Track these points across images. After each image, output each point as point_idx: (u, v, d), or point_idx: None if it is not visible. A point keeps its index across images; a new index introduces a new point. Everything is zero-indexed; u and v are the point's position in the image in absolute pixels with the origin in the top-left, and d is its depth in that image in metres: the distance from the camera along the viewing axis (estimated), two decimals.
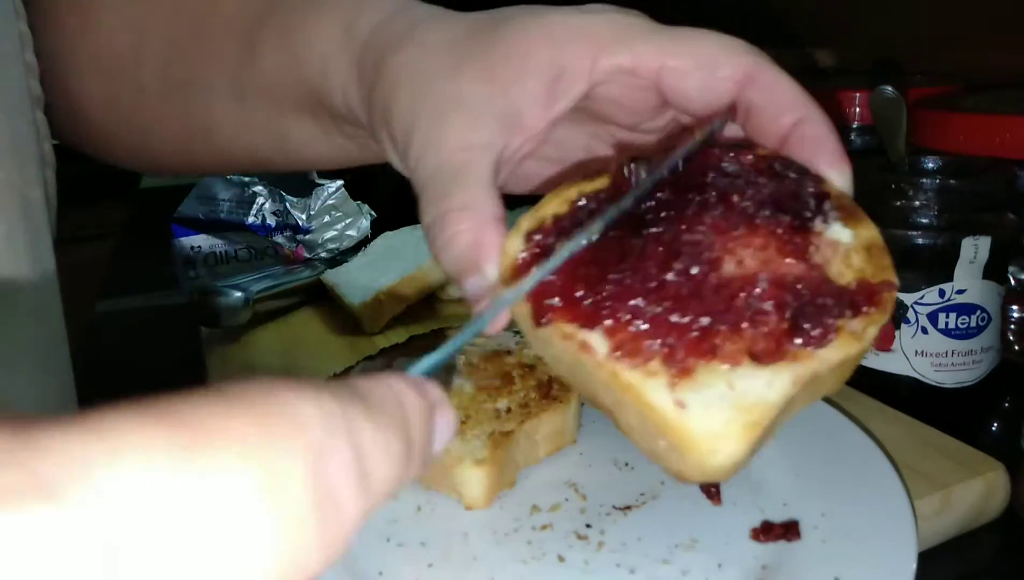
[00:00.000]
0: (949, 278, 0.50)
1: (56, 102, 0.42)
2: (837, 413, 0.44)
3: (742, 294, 0.25)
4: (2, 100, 0.36)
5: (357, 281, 0.67)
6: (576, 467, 0.43)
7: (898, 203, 0.51)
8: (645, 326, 0.24)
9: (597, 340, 0.25)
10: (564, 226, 0.28)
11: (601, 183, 0.29)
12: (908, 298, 0.51)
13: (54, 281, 0.38)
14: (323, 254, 0.79)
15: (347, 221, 0.83)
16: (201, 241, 0.79)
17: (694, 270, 0.25)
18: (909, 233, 0.51)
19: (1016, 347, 0.57)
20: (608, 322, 0.25)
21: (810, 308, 0.25)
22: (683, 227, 0.26)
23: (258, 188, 0.84)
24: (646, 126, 0.32)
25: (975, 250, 0.49)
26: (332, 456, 0.15)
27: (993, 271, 0.50)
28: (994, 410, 0.54)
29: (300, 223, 0.81)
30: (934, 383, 0.52)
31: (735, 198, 0.27)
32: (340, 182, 0.84)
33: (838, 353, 0.25)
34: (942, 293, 0.50)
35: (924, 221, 0.50)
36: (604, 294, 0.25)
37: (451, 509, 0.39)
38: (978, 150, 0.55)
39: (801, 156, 0.29)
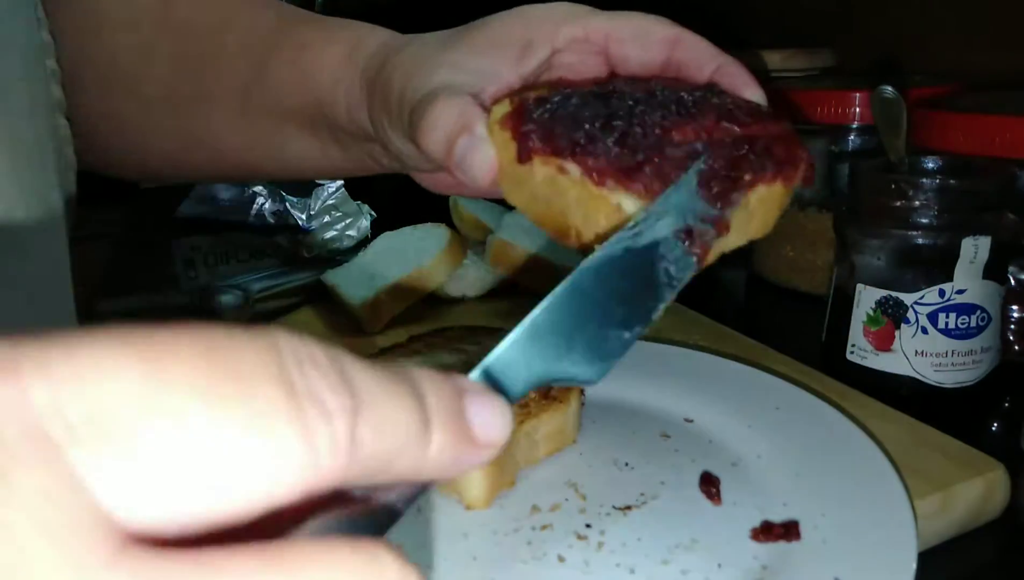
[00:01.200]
0: (949, 278, 0.50)
1: None
2: (837, 413, 0.44)
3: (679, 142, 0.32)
4: (27, 106, 0.37)
5: (357, 281, 0.67)
6: (576, 467, 0.43)
7: (898, 203, 0.51)
8: (603, 158, 0.31)
9: (571, 167, 0.31)
10: (541, 99, 0.34)
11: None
12: (908, 298, 0.51)
13: (68, 282, 0.40)
14: (323, 254, 0.79)
15: (347, 221, 0.83)
16: (201, 241, 0.79)
17: (648, 130, 0.32)
18: (909, 233, 0.51)
19: (1016, 347, 0.57)
20: (579, 153, 0.31)
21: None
22: (642, 108, 0.33)
23: (258, 188, 0.84)
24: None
25: (975, 250, 0.49)
26: (305, 358, 0.14)
27: (993, 271, 0.50)
28: (994, 410, 0.54)
29: (300, 223, 0.81)
30: (934, 383, 0.52)
31: (689, 104, 0.34)
32: (340, 182, 0.84)
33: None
34: (942, 293, 0.50)
35: (924, 221, 0.50)
36: (576, 137, 0.31)
37: (451, 509, 0.39)
38: (978, 150, 0.55)
39: (726, 87, 0.37)
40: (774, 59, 0.87)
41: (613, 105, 0.33)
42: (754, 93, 0.38)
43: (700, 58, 0.37)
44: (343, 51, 0.41)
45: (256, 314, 0.67)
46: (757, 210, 0.32)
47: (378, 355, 0.49)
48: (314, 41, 0.42)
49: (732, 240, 0.31)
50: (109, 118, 0.44)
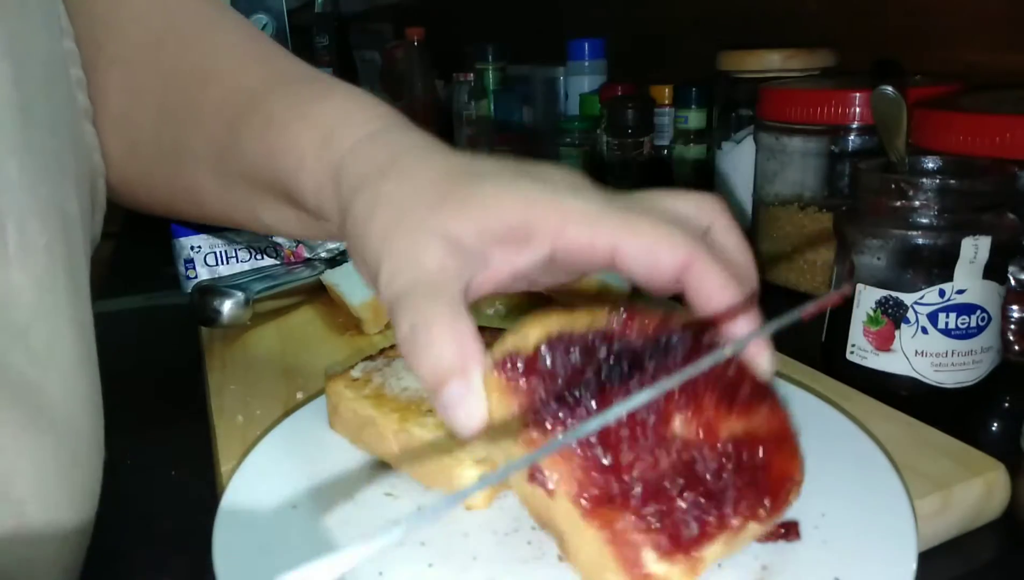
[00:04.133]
0: (949, 278, 0.50)
1: None
2: (837, 413, 0.44)
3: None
4: (47, 116, 0.37)
5: (357, 281, 0.67)
6: None
7: (898, 203, 0.51)
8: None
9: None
10: (544, 365, 0.32)
11: (582, 321, 0.33)
12: (908, 298, 0.51)
13: (87, 291, 0.39)
14: (323, 254, 0.79)
15: None
16: (201, 241, 0.79)
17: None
18: (909, 233, 0.51)
19: (1016, 347, 0.57)
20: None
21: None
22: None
23: None
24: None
25: (975, 250, 0.49)
26: None
27: (993, 271, 0.50)
28: (994, 410, 0.54)
29: None
30: (934, 383, 0.52)
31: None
32: None
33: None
34: (942, 293, 0.50)
35: (924, 221, 0.50)
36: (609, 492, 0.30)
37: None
38: (978, 150, 0.55)
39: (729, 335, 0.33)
40: (774, 59, 0.87)
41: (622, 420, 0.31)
42: (762, 361, 0.34)
43: (710, 290, 0.32)
44: (313, 138, 0.36)
45: (257, 314, 0.67)
46: (744, 538, 0.31)
47: (378, 355, 0.49)
48: (282, 117, 0.38)
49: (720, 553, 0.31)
50: (102, 152, 0.43)
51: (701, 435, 0.32)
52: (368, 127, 0.37)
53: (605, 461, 0.30)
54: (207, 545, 0.35)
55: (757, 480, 0.31)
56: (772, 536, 0.34)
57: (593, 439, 0.30)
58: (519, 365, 0.32)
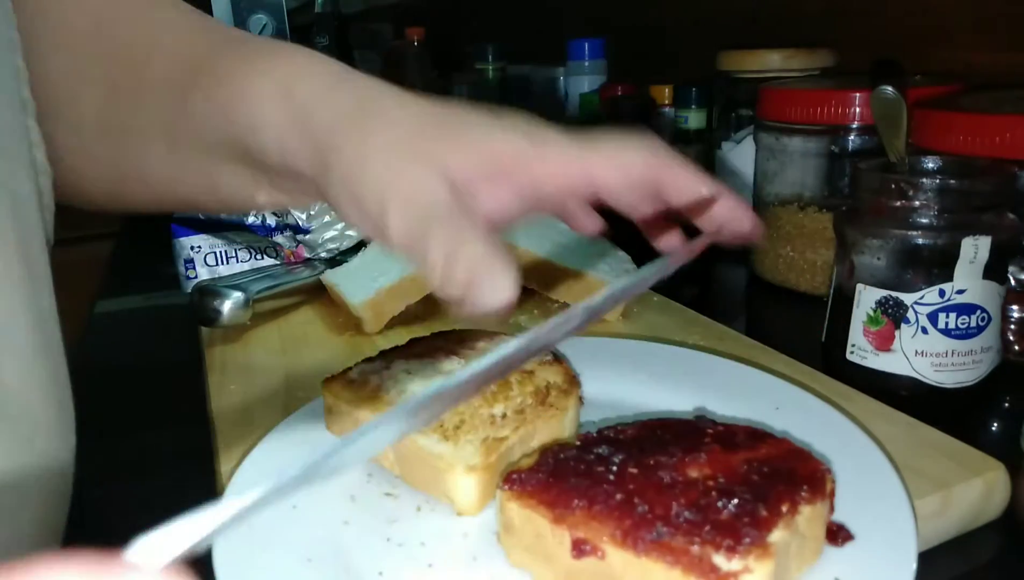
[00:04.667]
0: (949, 278, 0.50)
1: None
2: (837, 413, 0.44)
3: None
4: None
5: (357, 281, 0.67)
6: None
7: (898, 203, 0.51)
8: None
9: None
10: (548, 464, 0.35)
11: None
12: (908, 298, 0.51)
13: (47, 279, 0.38)
14: (323, 254, 0.79)
15: None
16: (201, 241, 0.79)
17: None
18: (909, 233, 0.51)
19: (1016, 347, 0.57)
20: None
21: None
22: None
23: None
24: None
25: (975, 250, 0.49)
26: None
27: (993, 271, 0.50)
28: (994, 410, 0.54)
29: (300, 223, 0.81)
30: (934, 383, 0.52)
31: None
32: None
33: None
34: (942, 293, 0.50)
35: (924, 221, 0.50)
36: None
37: (451, 509, 0.39)
38: (978, 150, 0.55)
39: (717, 219, 0.37)
40: (774, 59, 0.87)
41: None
42: (746, 220, 0.38)
43: (684, 183, 0.36)
44: (270, 92, 0.36)
45: (257, 314, 0.67)
46: (808, 532, 0.33)
47: (378, 356, 0.49)
48: (234, 74, 0.37)
49: (793, 569, 0.32)
50: (46, 143, 0.42)
51: (719, 470, 0.34)
52: (327, 77, 0.37)
53: (640, 509, 0.32)
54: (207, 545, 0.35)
55: (788, 477, 0.33)
56: (833, 538, 0.35)
57: (620, 496, 0.32)
58: (523, 475, 0.34)
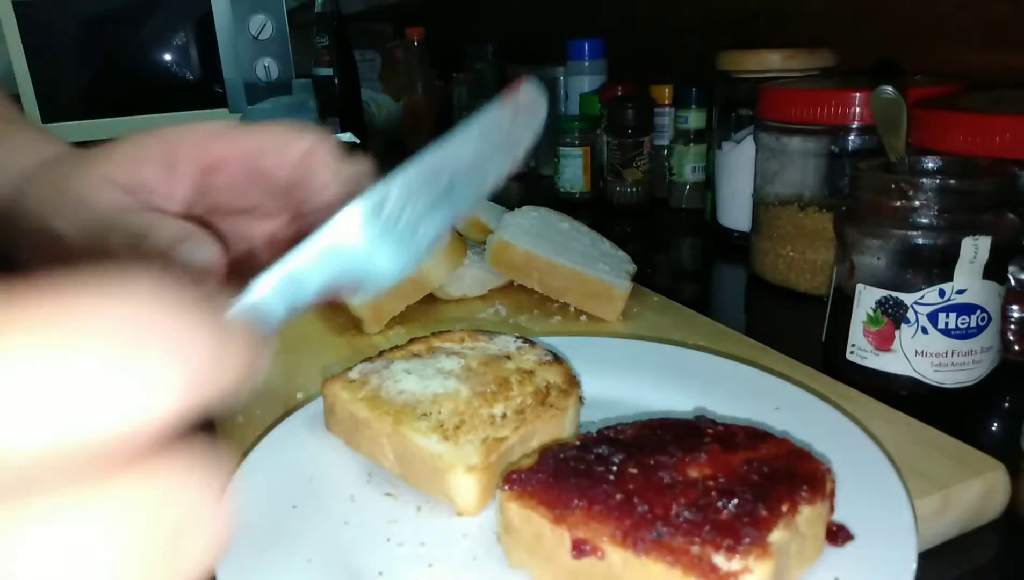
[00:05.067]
0: (949, 278, 0.50)
1: None
2: (837, 413, 0.44)
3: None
4: None
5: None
6: None
7: (898, 203, 0.51)
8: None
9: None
10: (548, 463, 0.35)
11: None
12: (908, 298, 0.51)
13: None
14: None
15: None
16: None
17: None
18: (909, 233, 0.51)
19: (1016, 347, 0.57)
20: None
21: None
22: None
23: None
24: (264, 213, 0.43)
25: (975, 250, 0.49)
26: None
27: (993, 271, 0.50)
28: (994, 410, 0.54)
29: None
30: (934, 383, 0.52)
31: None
32: None
33: None
34: (942, 293, 0.50)
35: (924, 221, 0.50)
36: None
37: (450, 510, 0.39)
38: (978, 150, 0.55)
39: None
40: (773, 60, 0.87)
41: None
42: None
43: (327, 164, 0.40)
44: None
45: None
46: (808, 532, 0.33)
47: (377, 357, 0.49)
48: None
49: (793, 569, 0.32)
50: None
51: (719, 470, 0.34)
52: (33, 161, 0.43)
53: (640, 509, 0.32)
54: None
55: (788, 477, 0.34)
56: (833, 538, 0.35)
57: (620, 496, 0.32)
58: (523, 475, 0.35)
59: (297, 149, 0.39)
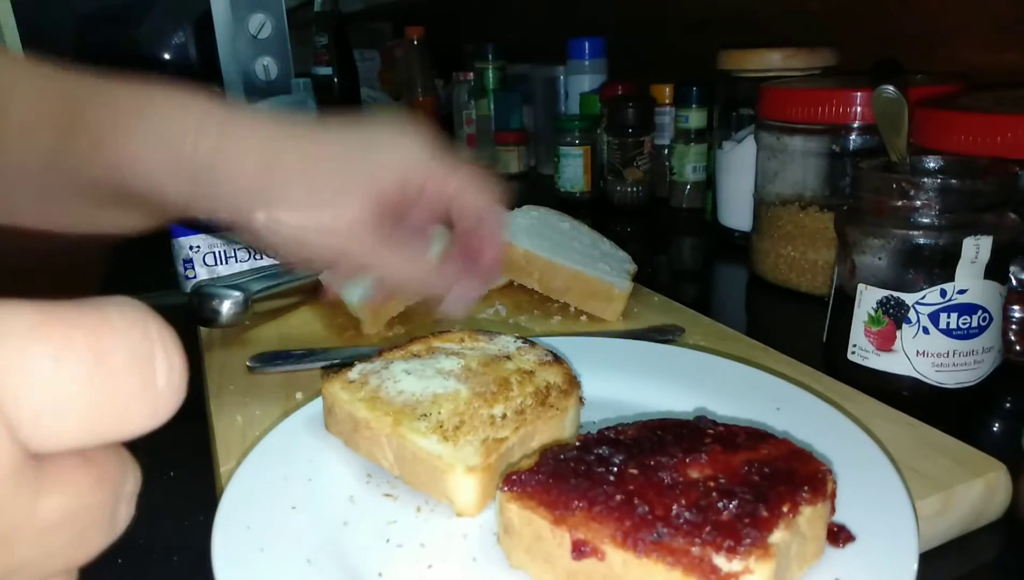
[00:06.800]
0: (950, 278, 0.50)
1: None
2: (838, 413, 0.44)
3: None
4: None
5: (357, 281, 0.67)
6: None
7: (899, 203, 0.51)
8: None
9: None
10: (547, 465, 0.35)
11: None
12: (909, 298, 0.51)
13: None
14: None
15: None
16: (201, 241, 0.79)
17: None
18: (910, 233, 0.50)
19: (1017, 347, 0.57)
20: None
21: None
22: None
23: None
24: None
25: (976, 250, 0.49)
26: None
27: (994, 271, 0.50)
28: (995, 410, 0.53)
29: None
30: (935, 383, 0.52)
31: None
32: None
33: None
34: (943, 293, 0.50)
35: (925, 221, 0.50)
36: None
37: (451, 510, 0.39)
38: (979, 150, 0.55)
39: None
40: (774, 59, 0.87)
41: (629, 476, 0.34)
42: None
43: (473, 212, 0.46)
44: (160, 160, 0.39)
45: (256, 314, 0.67)
46: (808, 533, 0.33)
47: (376, 357, 0.49)
48: (112, 137, 0.39)
49: (794, 570, 0.32)
50: None
51: (720, 470, 0.34)
52: (213, 127, 0.40)
53: (641, 510, 0.32)
54: (207, 545, 0.35)
55: (789, 477, 0.33)
56: (834, 539, 0.35)
57: (621, 497, 0.32)
58: (523, 476, 0.35)
59: (480, 204, 0.46)
